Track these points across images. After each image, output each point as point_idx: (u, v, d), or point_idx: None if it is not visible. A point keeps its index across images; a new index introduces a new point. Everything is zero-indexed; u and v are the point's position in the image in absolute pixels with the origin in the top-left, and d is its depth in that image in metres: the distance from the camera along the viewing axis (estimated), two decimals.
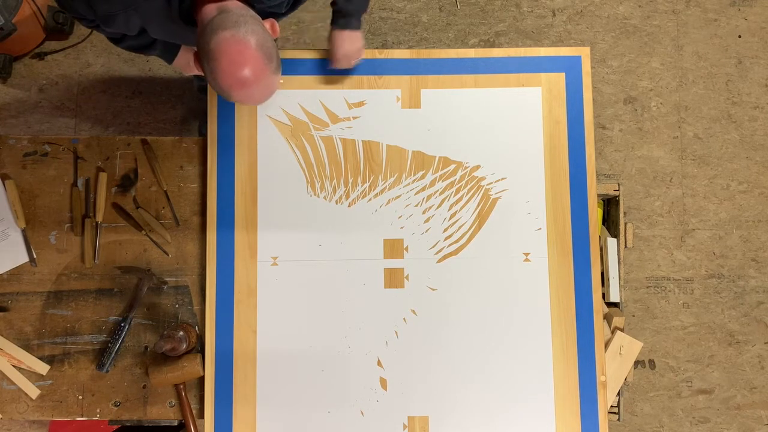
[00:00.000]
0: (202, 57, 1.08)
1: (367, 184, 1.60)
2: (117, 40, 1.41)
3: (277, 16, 1.21)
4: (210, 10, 1.09)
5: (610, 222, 1.76)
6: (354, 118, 1.61)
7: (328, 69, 1.58)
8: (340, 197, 1.60)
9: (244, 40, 1.05)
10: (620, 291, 1.68)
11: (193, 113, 2.29)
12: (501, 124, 1.62)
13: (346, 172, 1.60)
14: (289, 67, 1.60)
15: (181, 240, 1.60)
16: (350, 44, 1.51)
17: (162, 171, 1.62)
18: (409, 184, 1.60)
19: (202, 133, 2.04)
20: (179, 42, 1.46)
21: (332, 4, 1.49)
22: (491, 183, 1.60)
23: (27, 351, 1.55)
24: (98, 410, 1.55)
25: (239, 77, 1.06)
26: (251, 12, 1.10)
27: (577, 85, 1.63)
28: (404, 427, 1.54)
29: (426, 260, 1.58)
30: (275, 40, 1.14)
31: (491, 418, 1.54)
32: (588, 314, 1.56)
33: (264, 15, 1.16)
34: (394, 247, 1.59)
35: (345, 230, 1.58)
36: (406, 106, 1.62)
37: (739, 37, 2.37)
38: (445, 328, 1.56)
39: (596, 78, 2.34)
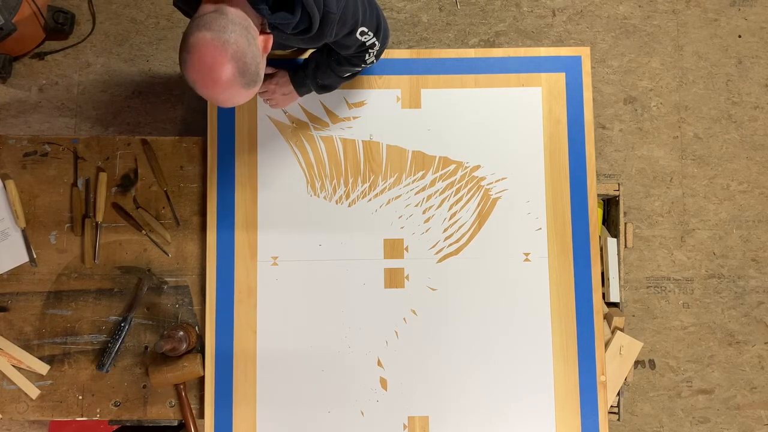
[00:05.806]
0: (181, 44, 1.07)
1: (367, 184, 1.60)
2: None
3: (284, 34, 1.20)
4: (208, 7, 1.07)
5: (610, 222, 1.76)
6: (354, 118, 1.61)
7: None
8: (340, 197, 1.60)
9: (222, 46, 1.03)
10: (620, 291, 1.68)
11: (193, 113, 2.29)
12: (501, 124, 1.62)
13: (346, 172, 1.60)
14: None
15: (181, 240, 1.60)
16: (288, 99, 1.54)
17: (162, 171, 1.62)
18: (409, 184, 1.60)
19: None
20: None
21: (304, 65, 1.48)
22: (491, 183, 1.60)
23: (27, 351, 1.55)
24: (98, 410, 1.55)
25: (204, 79, 1.05)
26: (248, 23, 1.08)
27: (577, 85, 1.62)
28: (404, 427, 1.54)
29: (426, 260, 1.58)
30: (264, 57, 1.13)
31: (491, 418, 1.54)
32: (588, 314, 1.56)
33: (271, 27, 1.14)
34: (394, 247, 1.58)
35: (345, 230, 1.58)
36: (406, 106, 1.62)
37: (739, 37, 2.37)
38: (445, 328, 1.56)
39: (596, 78, 2.34)
